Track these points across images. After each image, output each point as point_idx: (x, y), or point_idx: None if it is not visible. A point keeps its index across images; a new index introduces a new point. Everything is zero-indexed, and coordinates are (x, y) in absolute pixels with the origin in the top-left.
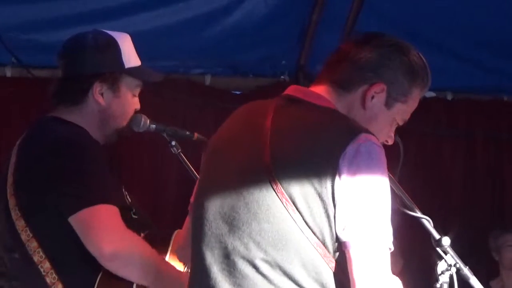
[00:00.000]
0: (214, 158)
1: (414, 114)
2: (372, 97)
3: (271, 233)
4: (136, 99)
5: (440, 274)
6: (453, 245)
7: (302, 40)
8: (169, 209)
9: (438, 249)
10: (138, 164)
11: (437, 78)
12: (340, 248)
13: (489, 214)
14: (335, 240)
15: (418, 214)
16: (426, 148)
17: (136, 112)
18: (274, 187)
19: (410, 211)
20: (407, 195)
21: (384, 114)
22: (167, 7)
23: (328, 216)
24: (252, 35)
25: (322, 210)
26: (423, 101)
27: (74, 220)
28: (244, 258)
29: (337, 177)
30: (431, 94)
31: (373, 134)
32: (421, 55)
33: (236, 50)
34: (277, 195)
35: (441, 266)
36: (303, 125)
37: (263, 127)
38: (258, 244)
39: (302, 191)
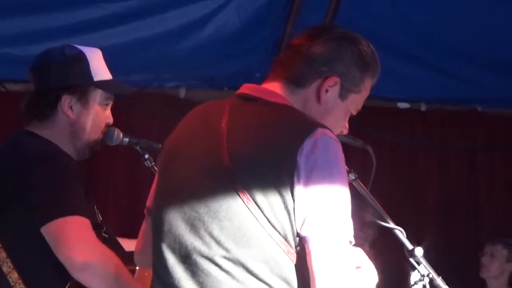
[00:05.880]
0: (171, 161)
1: (389, 125)
2: (326, 91)
3: (232, 231)
4: (108, 113)
5: (413, 285)
6: (426, 255)
7: (276, 52)
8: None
9: (411, 259)
10: (113, 176)
11: (411, 89)
12: (301, 243)
13: (464, 225)
14: (296, 235)
15: (391, 225)
16: (401, 159)
17: (109, 126)
18: (234, 186)
19: (383, 222)
20: (379, 206)
21: (339, 107)
22: (141, 21)
23: (288, 212)
24: (226, 47)
25: (282, 206)
26: (398, 112)
27: (46, 230)
28: (206, 256)
29: (295, 173)
30: (405, 105)
31: (329, 129)
32: (369, 44)
33: (211, 63)
34: (237, 194)
35: (414, 276)
36: (259, 123)
37: (219, 129)
38: (219, 242)
39: (262, 188)
